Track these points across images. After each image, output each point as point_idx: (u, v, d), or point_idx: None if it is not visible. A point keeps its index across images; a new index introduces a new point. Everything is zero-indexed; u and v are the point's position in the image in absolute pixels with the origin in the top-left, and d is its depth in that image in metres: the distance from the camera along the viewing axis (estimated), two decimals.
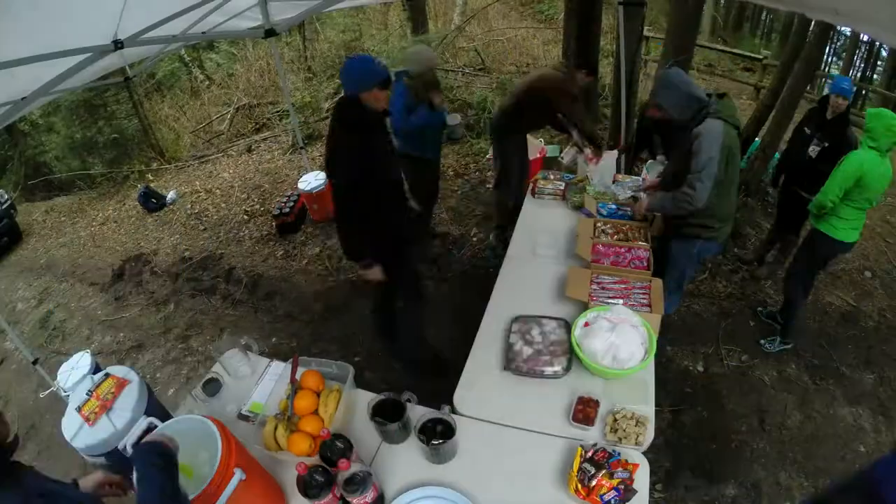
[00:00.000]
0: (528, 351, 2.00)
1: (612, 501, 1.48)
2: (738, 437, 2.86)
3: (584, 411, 1.74)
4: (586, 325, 2.02)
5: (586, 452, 1.59)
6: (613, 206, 2.98)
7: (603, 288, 2.33)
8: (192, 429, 1.35)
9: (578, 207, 3.01)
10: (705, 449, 2.79)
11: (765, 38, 15.55)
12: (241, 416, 1.90)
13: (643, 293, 2.28)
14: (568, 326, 2.04)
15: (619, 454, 1.60)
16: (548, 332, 2.08)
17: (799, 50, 4.28)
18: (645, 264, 2.47)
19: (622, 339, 1.88)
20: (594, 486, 1.49)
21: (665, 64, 5.09)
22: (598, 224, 2.79)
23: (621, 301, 2.21)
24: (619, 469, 1.54)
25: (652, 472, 1.64)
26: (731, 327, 3.57)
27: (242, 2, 3.40)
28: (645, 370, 1.91)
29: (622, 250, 2.56)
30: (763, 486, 2.62)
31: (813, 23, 4.08)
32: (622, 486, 1.49)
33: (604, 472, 1.52)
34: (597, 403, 1.78)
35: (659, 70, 5.16)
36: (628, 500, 1.49)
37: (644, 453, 1.68)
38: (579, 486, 1.50)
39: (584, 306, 2.18)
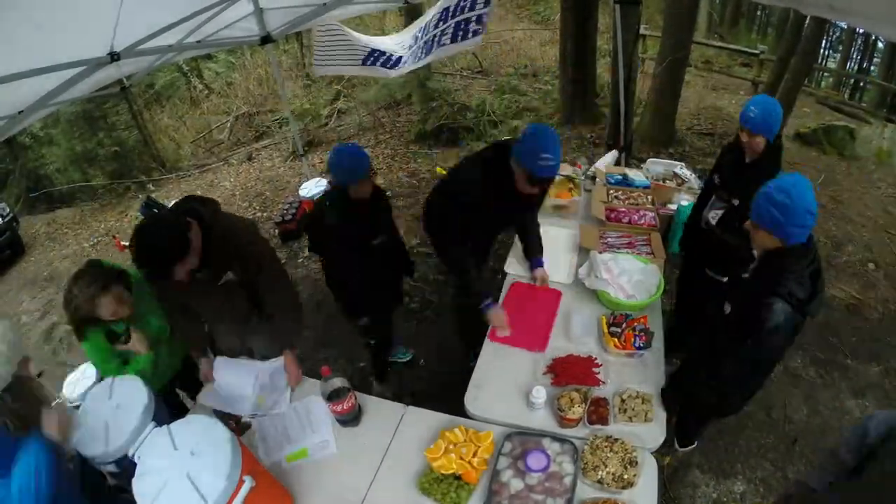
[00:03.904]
0: (517, 485, 1.61)
1: (641, 345, 2.02)
2: (745, 433, 2.85)
3: (597, 412, 1.80)
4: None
5: (609, 319, 2.13)
6: (620, 176, 3.28)
7: (609, 245, 2.62)
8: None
9: None
10: (712, 446, 2.79)
11: (761, 34, 15.54)
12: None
13: (645, 244, 2.62)
14: (575, 452, 1.67)
15: (630, 315, 2.14)
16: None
17: (795, 44, 4.28)
18: (653, 222, 2.79)
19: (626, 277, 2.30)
20: (624, 339, 2.04)
21: (662, 62, 5.12)
22: (611, 192, 3.05)
23: (628, 251, 2.54)
24: (636, 323, 2.10)
25: (660, 471, 1.64)
26: None
27: (237, 12, 3.42)
28: (651, 355, 2.05)
29: (632, 212, 2.84)
30: (771, 480, 2.62)
31: (809, 16, 4.09)
32: (642, 333, 2.05)
33: (626, 327, 2.08)
34: (606, 402, 1.84)
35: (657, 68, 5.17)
36: (650, 340, 2.04)
37: (652, 452, 1.68)
38: (616, 342, 2.02)
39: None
